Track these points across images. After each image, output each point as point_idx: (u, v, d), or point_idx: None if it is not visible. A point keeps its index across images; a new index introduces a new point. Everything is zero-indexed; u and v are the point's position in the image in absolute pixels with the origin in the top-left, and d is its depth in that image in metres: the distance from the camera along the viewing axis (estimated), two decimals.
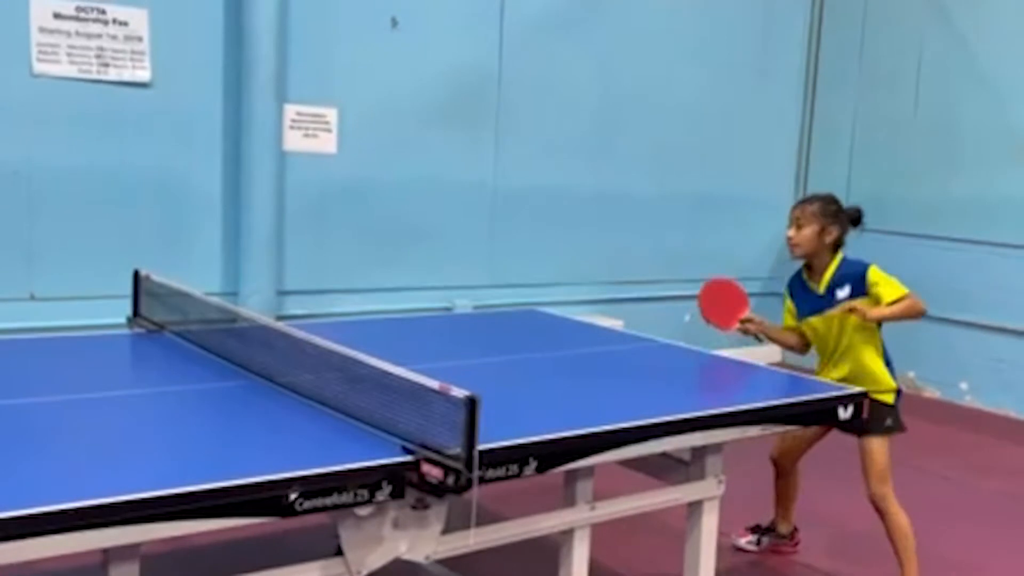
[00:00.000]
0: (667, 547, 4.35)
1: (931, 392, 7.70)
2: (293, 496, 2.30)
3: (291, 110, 5.77)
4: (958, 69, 7.59)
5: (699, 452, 3.49)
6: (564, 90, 6.98)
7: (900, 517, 4.05)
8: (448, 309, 6.43)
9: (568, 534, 3.20)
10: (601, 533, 3.38)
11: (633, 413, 3.05)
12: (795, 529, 4.60)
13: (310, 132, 5.88)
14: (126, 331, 3.95)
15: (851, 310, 3.94)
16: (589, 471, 3.16)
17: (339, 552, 2.61)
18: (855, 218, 4.15)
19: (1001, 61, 7.37)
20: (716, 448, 3.49)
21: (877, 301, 3.97)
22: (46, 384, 3.13)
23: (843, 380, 3.95)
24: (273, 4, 5.49)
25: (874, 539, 4.22)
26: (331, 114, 5.94)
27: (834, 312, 4.02)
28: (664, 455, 3.48)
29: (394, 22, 6.13)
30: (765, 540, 4.60)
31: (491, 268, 6.78)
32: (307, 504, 2.33)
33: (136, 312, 3.98)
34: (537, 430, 2.78)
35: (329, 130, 5.94)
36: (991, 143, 7.41)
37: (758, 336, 4.25)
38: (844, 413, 3.51)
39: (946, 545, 4.80)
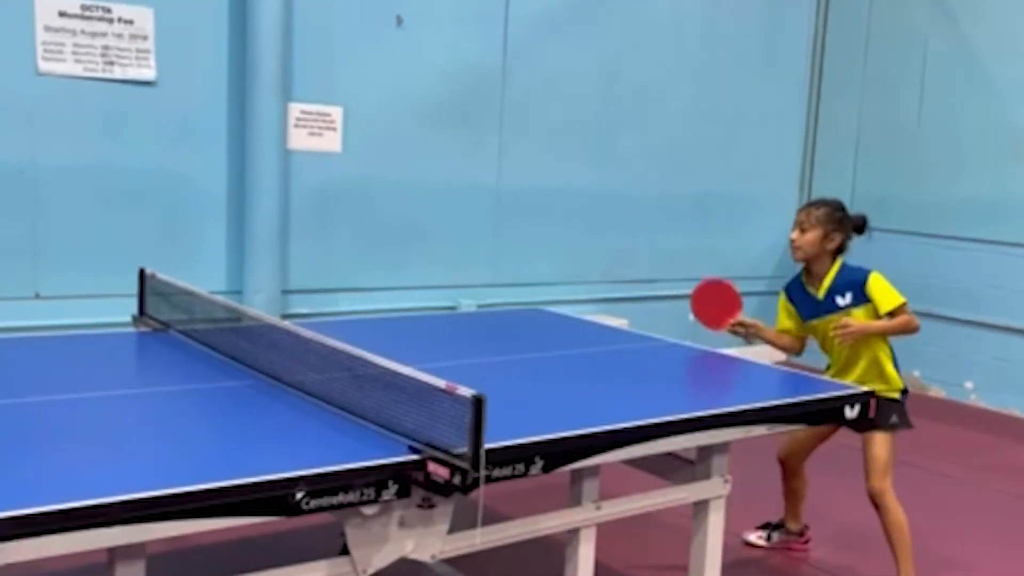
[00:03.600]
0: (673, 547, 4.35)
1: (936, 391, 7.69)
2: (299, 495, 2.31)
3: (295, 108, 5.77)
4: (962, 71, 7.58)
5: (705, 451, 3.49)
6: (568, 90, 6.97)
7: (898, 513, 4.04)
8: (452, 308, 6.43)
9: (574, 533, 3.20)
10: (607, 532, 3.38)
11: (639, 413, 3.05)
12: (805, 527, 4.61)
13: (315, 131, 5.88)
14: (131, 330, 3.95)
15: (840, 329, 3.95)
16: (595, 470, 3.15)
17: (345, 551, 2.61)
18: (859, 226, 4.18)
19: (1005, 63, 7.36)
20: (722, 447, 3.49)
21: (876, 309, 4.01)
22: (52, 383, 3.13)
23: (853, 382, 3.98)
24: (278, 2, 5.49)
25: (880, 537, 4.21)
26: (336, 112, 5.94)
27: (830, 333, 4.01)
28: (670, 454, 3.47)
29: (399, 20, 6.13)
30: (775, 536, 4.60)
31: (495, 267, 6.77)
32: (313, 503, 2.33)
33: (141, 311, 3.99)
34: (543, 429, 2.78)
35: (334, 129, 5.94)
36: (995, 144, 7.39)
37: (748, 339, 4.27)
38: (851, 412, 3.51)
39: (951, 545, 4.79)
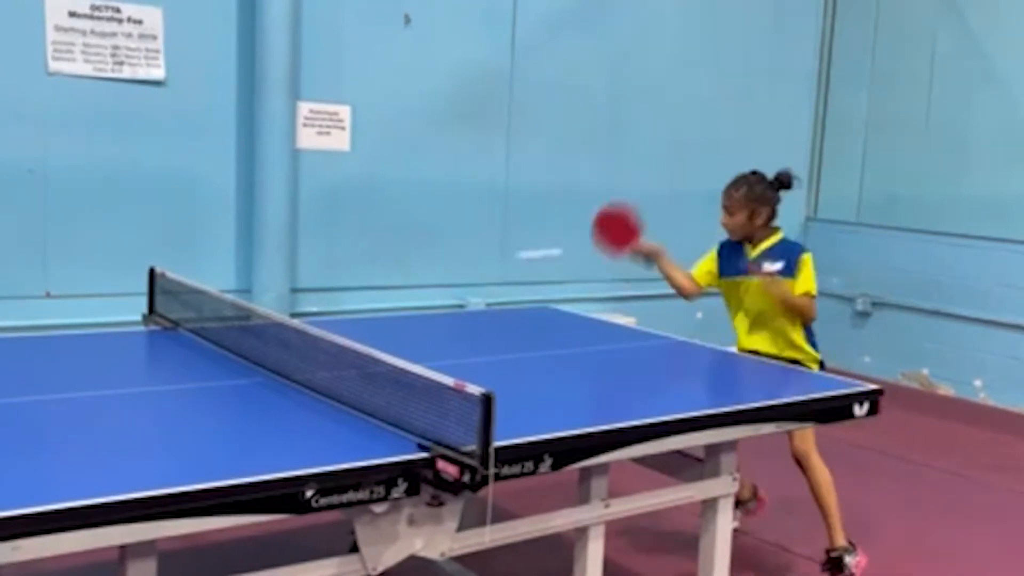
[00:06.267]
0: (681, 545, 4.35)
1: (945, 389, 7.68)
2: (309, 493, 2.31)
3: (304, 108, 5.78)
4: (970, 67, 7.56)
5: (713, 450, 3.49)
6: (576, 88, 6.97)
7: (824, 473, 4.16)
8: (461, 306, 6.44)
9: (583, 531, 3.21)
10: (616, 530, 3.38)
11: (647, 410, 3.05)
12: (753, 488, 4.62)
13: (323, 130, 5.89)
14: (141, 328, 3.96)
15: (765, 279, 4.09)
16: (603, 468, 3.16)
17: (354, 549, 2.62)
18: (784, 182, 4.27)
19: (1014, 59, 7.34)
20: (730, 446, 3.49)
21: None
22: (62, 381, 3.14)
23: (761, 343, 4.19)
24: (286, 1, 5.50)
25: (882, 530, 4.21)
26: (344, 111, 5.95)
27: (754, 278, 4.14)
28: (678, 452, 3.47)
29: (407, 19, 6.13)
30: (737, 514, 4.63)
31: (503, 265, 6.78)
32: (323, 501, 2.34)
33: (151, 309, 4.00)
34: (552, 427, 2.78)
35: (343, 128, 5.95)
36: (1004, 141, 7.38)
37: (647, 263, 4.34)
38: (860, 410, 3.50)
39: (960, 542, 4.79)
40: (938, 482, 5.66)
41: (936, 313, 7.65)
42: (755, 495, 4.66)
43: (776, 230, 4.25)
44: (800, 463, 4.17)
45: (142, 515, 2.12)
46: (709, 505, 3.59)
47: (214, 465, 2.39)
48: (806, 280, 4.12)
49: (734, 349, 4.32)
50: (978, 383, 7.51)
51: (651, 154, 7.46)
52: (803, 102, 8.43)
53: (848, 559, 4.16)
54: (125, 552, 2.37)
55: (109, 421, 2.78)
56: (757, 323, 4.23)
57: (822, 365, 4.23)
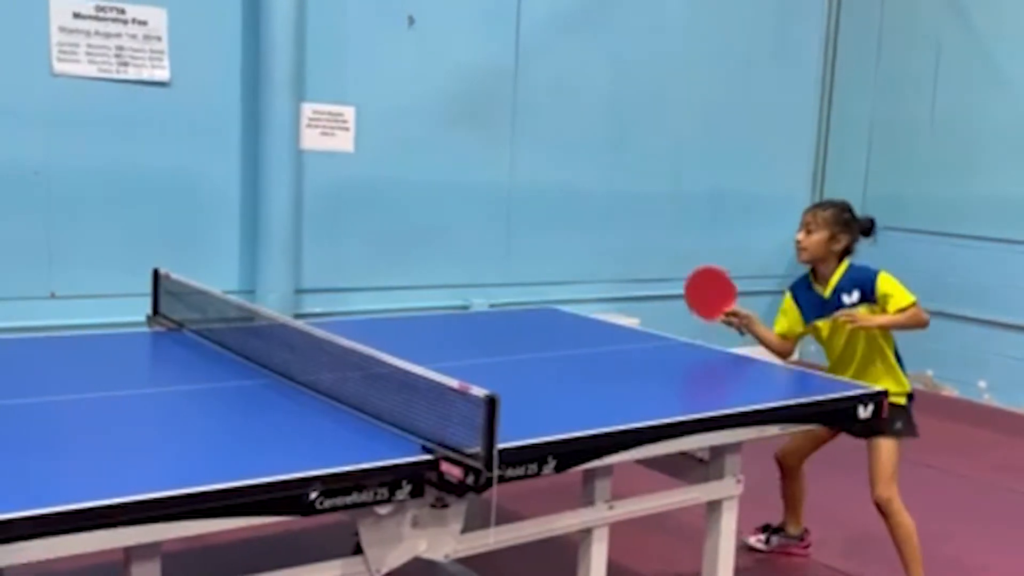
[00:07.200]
0: (685, 547, 4.35)
1: (949, 390, 7.67)
2: (314, 495, 2.31)
3: (308, 109, 5.78)
4: (976, 68, 7.55)
5: (717, 451, 3.49)
6: (580, 89, 6.97)
7: (905, 520, 3.99)
8: (464, 307, 6.44)
9: (586, 533, 3.20)
10: (619, 532, 3.38)
11: (651, 412, 3.05)
12: (805, 531, 4.58)
13: (327, 131, 5.89)
14: (145, 329, 3.97)
15: (849, 320, 3.91)
16: (607, 470, 3.15)
17: (358, 550, 2.62)
18: (867, 228, 4.13)
19: (1018, 58, 7.32)
20: (734, 447, 3.49)
21: (884, 308, 3.96)
22: (66, 382, 3.15)
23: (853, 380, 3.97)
24: (291, 3, 5.50)
25: (890, 540, 4.19)
26: (348, 112, 5.95)
27: (837, 318, 3.96)
28: (682, 454, 3.47)
29: (411, 20, 6.14)
30: (775, 539, 4.58)
31: (507, 266, 6.78)
32: (328, 503, 2.34)
33: (155, 310, 4.01)
34: (556, 429, 2.78)
35: (347, 128, 5.96)
36: (1009, 141, 7.36)
37: (740, 330, 4.19)
38: (864, 412, 3.49)
39: (963, 544, 4.78)
40: (941, 483, 5.65)
41: (941, 314, 7.60)
42: (803, 538, 4.59)
43: (843, 262, 4.10)
44: (881, 510, 4.00)
45: (148, 517, 2.13)
46: (713, 507, 3.58)
47: (218, 467, 2.39)
48: (896, 297, 3.94)
49: (736, 350, 4.32)
50: (982, 384, 7.50)
51: (655, 155, 7.46)
52: (808, 103, 8.42)
53: None
54: (129, 554, 2.37)
55: (113, 422, 2.78)
56: (842, 360, 4.09)
57: (910, 398, 4.06)
